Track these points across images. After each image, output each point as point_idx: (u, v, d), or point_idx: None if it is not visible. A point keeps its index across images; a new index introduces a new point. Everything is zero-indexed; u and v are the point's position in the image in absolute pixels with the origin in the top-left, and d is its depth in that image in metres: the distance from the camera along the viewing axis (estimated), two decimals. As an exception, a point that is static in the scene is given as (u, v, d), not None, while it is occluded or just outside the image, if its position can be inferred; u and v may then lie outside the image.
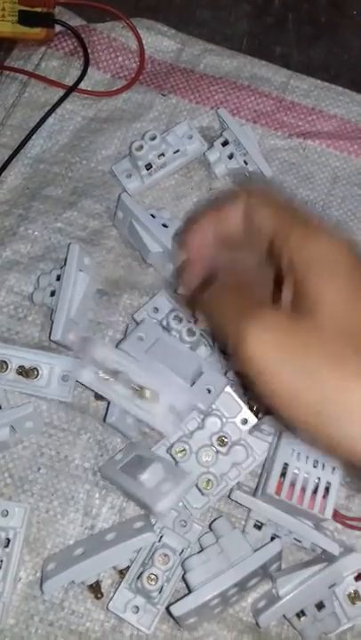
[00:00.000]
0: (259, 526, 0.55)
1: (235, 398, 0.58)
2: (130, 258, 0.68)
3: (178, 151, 0.71)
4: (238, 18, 0.87)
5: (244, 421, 0.57)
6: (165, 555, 0.51)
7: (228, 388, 0.58)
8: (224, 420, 0.57)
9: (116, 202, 0.69)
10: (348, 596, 0.53)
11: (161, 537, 0.54)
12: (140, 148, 0.69)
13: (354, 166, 0.74)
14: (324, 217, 0.70)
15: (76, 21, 0.83)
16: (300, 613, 0.52)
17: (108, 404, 0.57)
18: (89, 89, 0.78)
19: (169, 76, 0.80)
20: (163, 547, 0.52)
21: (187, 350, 0.58)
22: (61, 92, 0.78)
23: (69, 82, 0.78)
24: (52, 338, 0.59)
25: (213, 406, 0.57)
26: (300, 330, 0.37)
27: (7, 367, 0.57)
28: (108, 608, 0.52)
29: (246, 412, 0.57)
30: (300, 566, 0.54)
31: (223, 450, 0.55)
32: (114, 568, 0.53)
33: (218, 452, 0.55)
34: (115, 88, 0.78)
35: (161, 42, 0.82)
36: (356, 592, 0.53)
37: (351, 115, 0.77)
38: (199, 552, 0.52)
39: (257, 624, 0.53)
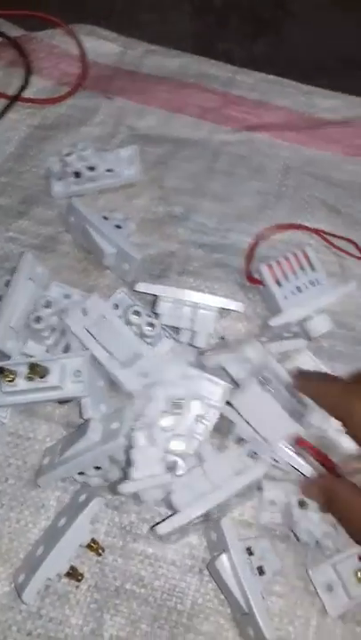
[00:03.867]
0: (240, 441, 0.57)
1: (169, 362, 0.60)
2: (85, 262, 0.69)
3: (111, 170, 0.73)
4: (181, 18, 0.90)
5: (189, 378, 0.58)
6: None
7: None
8: (170, 384, 0.58)
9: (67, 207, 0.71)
10: (355, 575, 0.55)
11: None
12: (69, 154, 0.71)
13: (304, 156, 0.76)
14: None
15: (15, 31, 0.85)
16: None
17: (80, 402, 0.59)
18: (33, 97, 0.80)
19: (113, 79, 0.83)
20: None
21: (129, 333, 0.60)
22: (4, 102, 0.80)
23: (12, 92, 0.80)
24: None
25: (156, 378, 0.58)
26: None
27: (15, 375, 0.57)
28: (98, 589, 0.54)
29: (188, 369, 0.59)
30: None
31: (180, 411, 0.57)
32: (81, 546, 0.55)
33: (176, 414, 0.57)
34: (59, 95, 0.81)
35: (103, 46, 0.85)
36: None
37: (298, 106, 0.80)
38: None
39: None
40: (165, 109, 0.80)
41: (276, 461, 0.57)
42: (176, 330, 0.63)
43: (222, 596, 0.55)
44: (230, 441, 0.58)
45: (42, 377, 0.56)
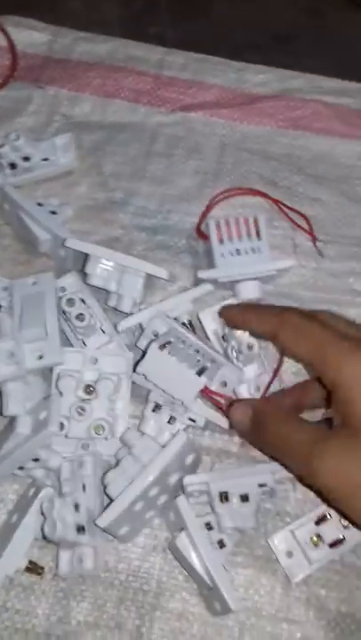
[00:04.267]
0: (158, 408, 0.58)
1: (72, 350, 0.60)
2: (27, 254, 0.69)
3: (47, 159, 0.72)
4: (109, 3, 0.89)
5: (93, 360, 0.59)
6: (50, 501, 0.53)
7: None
8: (76, 374, 0.58)
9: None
10: (311, 540, 0.55)
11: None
12: (2, 146, 0.70)
13: (240, 132, 0.77)
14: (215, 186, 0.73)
15: None
16: (224, 498, 0.54)
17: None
18: None
19: (44, 68, 0.82)
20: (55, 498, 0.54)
21: (38, 312, 0.60)
22: None
23: None
24: None
25: (59, 370, 0.59)
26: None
27: None
28: (60, 576, 0.54)
29: (90, 352, 0.59)
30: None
31: (93, 396, 0.57)
32: (36, 539, 0.55)
33: (90, 400, 0.57)
34: (-11, 87, 0.80)
35: (31, 36, 0.84)
36: (318, 535, 0.56)
37: (230, 82, 0.80)
38: (115, 466, 0.55)
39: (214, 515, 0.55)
40: (99, 95, 0.80)
41: (193, 421, 0.58)
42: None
43: (187, 573, 0.55)
44: (148, 410, 0.58)
45: None
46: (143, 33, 0.86)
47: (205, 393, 0.57)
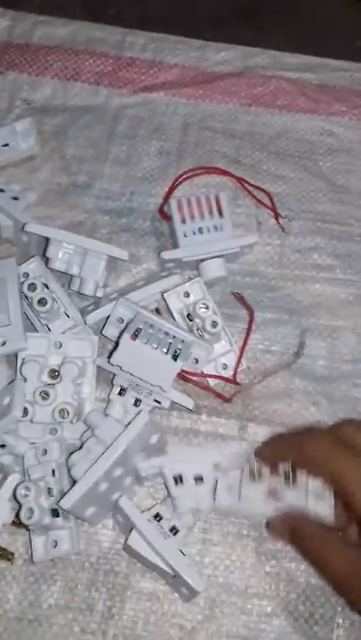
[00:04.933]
0: (123, 391, 0.58)
1: (36, 335, 0.60)
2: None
3: (7, 145, 0.72)
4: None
5: (57, 345, 0.59)
6: (25, 487, 0.53)
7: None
8: (40, 359, 0.58)
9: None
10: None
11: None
12: None
13: (203, 111, 0.76)
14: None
15: None
16: (179, 480, 0.54)
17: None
18: None
19: (4, 53, 0.80)
20: (21, 483, 0.54)
21: (0, 298, 0.59)
22: None
23: None
24: None
25: (23, 355, 0.59)
26: None
27: None
28: (34, 562, 0.54)
29: (54, 337, 0.59)
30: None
31: (57, 380, 0.57)
32: (4, 526, 0.55)
33: (54, 384, 0.57)
34: None
35: (-10, 22, 0.83)
36: None
37: (191, 61, 0.79)
38: (79, 448, 0.55)
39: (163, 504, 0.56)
40: (59, 79, 0.79)
41: (158, 402, 0.58)
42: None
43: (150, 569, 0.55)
44: (113, 393, 0.58)
45: None
46: (103, 14, 0.85)
47: (182, 376, 0.57)
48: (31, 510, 0.52)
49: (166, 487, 0.55)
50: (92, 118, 0.76)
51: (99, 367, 0.60)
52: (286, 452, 0.54)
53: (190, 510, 0.54)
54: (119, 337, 0.56)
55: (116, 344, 0.57)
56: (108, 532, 0.56)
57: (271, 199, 0.70)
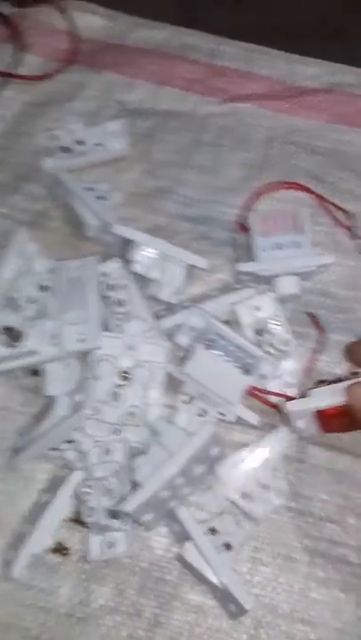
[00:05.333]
0: (190, 400, 0.53)
1: (111, 336, 0.54)
2: (74, 237, 0.63)
3: (99, 145, 0.66)
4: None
5: (130, 347, 0.54)
6: (88, 486, 0.49)
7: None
8: (113, 359, 0.54)
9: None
10: None
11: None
12: (58, 129, 0.65)
13: (288, 125, 0.69)
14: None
15: (5, 9, 0.78)
16: (245, 495, 0.50)
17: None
18: (24, 74, 0.73)
19: (102, 53, 0.75)
20: (85, 481, 0.50)
21: (80, 296, 0.55)
22: (-2, 79, 0.73)
23: (4, 69, 0.73)
24: None
25: (97, 354, 0.54)
26: None
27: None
28: (89, 561, 0.50)
29: (128, 339, 0.54)
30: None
31: (128, 382, 0.52)
32: (65, 521, 0.51)
33: (125, 386, 0.52)
34: (50, 71, 0.74)
35: (91, 21, 0.78)
36: None
37: (281, 74, 0.72)
38: (144, 453, 0.50)
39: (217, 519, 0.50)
40: (152, 82, 0.73)
41: (223, 415, 0.52)
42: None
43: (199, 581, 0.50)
44: (180, 402, 0.53)
45: (16, 340, 0.52)
46: (196, 20, 0.78)
47: (252, 392, 0.52)
48: (92, 509, 0.48)
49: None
50: (179, 124, 0.70)
51: (167, 373, 0.54)
52: None
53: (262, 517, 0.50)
54: (192, 346, 0.51)
55: (189, 352, 0.52)
56: (162, 539, 0.51)
57: (351, 219, 0.63)
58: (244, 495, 0.50)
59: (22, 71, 0.74)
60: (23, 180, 0.67)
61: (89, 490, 0.49)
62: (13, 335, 0.52)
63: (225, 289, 0.60)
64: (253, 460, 0.52)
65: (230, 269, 0.61)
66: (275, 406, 0.53)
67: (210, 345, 0.51)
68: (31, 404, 0.56)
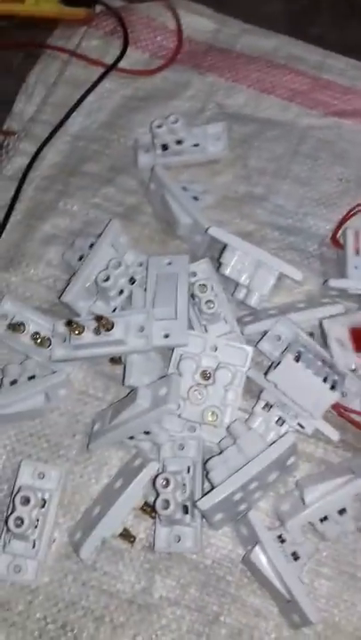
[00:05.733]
0: (268, 407, 0.55)
1: (196, 334, 0.56)
2: (163, 233, 0.65)
3: (197, 145, 0.68)
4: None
5: (214, 348, 0.56)
6: (165, 479, 0.50)
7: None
8: (196, 358, 0.55)
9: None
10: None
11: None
12: (160, 126, 0.66)
13: (389, 145, 0.70)
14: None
15: (115, 2, 0.80)
16: (323, 518, 0.51)
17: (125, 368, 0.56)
18: (128, 68, 0.76)
19: (206, 55, 0.77)
20: (162, 473, 0.51)
21: (170, 292, 0.56)
22: (101, 70, 0.75)
23: (109, 61, 0.76)
24: (62, 299, 0.57)
25: (181, 351, 0.56)
26: None
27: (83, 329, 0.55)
28: (156, 550, 0.51)
29: (212, 339, 0.56)
30: (325, 474, 0.53)
31: (209, 382, 0.54)
32: (133, 509, 0.53)
33: (206, 386, 0.54)
34: (153, 67, 0.76)
35: (199, 22, 0.79)
36: None
37: (386, 94, 0.73)
38: (219, 454, 0.52)
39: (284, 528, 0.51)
40: (255, 89, 0.74)
41: (302, 427, 0.54)
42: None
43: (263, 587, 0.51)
44: (258, 407, 0.55)
45: (108, 330, 0.54)
46: (304, 31, 0.80)
47: (337, 409, 0.53)
48: (167, 502, 0.49)
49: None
50: (278, 133, 0.71)
51: (248, 378, 0.56)
52: None
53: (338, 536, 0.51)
54: (282, 355, 0.53)
55: (276, 361, 0.53)
56: (227, 539, 0.53)
57: None
58: (322, 518, 0.51)
59: (126, 65, 0.76)
60: (117, 173, 0.69)
61: (166, 483, 0.50)
62: (104, 324, 0.53)
63: (311, 302, 0.61)
64: (344, 492, 0.52)
65: (317, 283, 0.62)
66: (356, 423, 0.54)
67: (298, 357, 0.52)
68: (109, 390, 0.58)
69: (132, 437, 0.54)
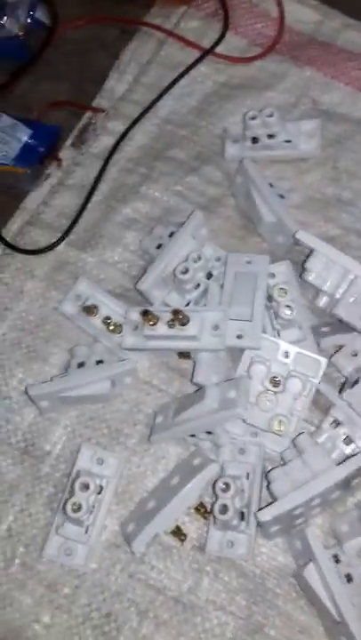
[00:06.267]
0: (336, 424, 0.54)
1: (270, 339, 0.56)
2: (244, 229, 0.65)
3: (289, 142, 0.67)
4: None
5: (286, 354, 0.56)
6: (225, 483, 0.51)
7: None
8: (267, 363, 0.55)
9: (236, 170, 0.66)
10: None
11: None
12: (253, 118, 0.66)
13: None
14: None
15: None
16: None
17: (194, 364, 0.57)
18: (225, 53, 0.75)
19: (306, 47, 0.76)
20: (223, 477, 0.52)
21: (247, 292, 0.57)
22: (197, 53, 0.75)
23: (206, 44, 0.75)
24: (137, 286, 0.58)
25: (252, 354, 0.56)
26: None
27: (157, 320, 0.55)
28: (205, 552, 0.52)
29: (285, 345, 0.56)
30: None
31: (279, 389, 0.54)
32: (188, 508, 0.54)
33: (275, 393, 0.54)
34: (250, 55, 0.75)
35: (302, 12, 0.78)
36: None
37: None
38: (283, 465, 0.52)
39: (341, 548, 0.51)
40: (353, 87, 0.73)
41: None
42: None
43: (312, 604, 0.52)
44: (325, 423, 0.55)
45: (182, 325, 0.54)
46: None
47: None
48: (226, 507, 0.50)
49: None
50: (375, 136, 0.70)
51: (318, 391, 0.56)
52: None
53: None
54: (356, 373, 0.52)
55: (348, 377, 0.53)
56: (278, 551, 0.53)
57: None
58: None
59: (222, 50, 0.76)
60: (203, 162, 0.70)
61: (226, 488, 0.51)
62: (180, 318, 0.54)
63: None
64: None
65: None
66: None
67: None
68: (173, 383, 0.59)
69: (193, 435, 0.55)
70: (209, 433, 0.54)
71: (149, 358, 0.60)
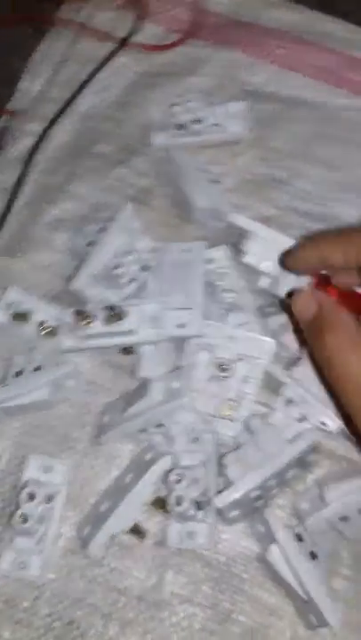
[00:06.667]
0: (288, 403, 0.61)
1: (213, 324, 0.63)
2: (178, 218, 0.72)
3: (217, 125, 0.75)
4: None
5: (231, 338, 0.62)
6: (178, 474, 0.57)
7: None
8: (213, 348, 0.62)
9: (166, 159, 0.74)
10: None
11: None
12: (176, 104, 0.74)
13: None
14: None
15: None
16: (343, 518, 0.57)
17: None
18: (141, 42, 0.83)
19: (227, 29, 0.84)
20: (175, 468, 0.58)
21: (184, 280, 0.63)
22: (113, 45, 0.83)
23: (122, 35, 0.83)
24: (70, 287, 0.64)
25: (197, 342, 0.62)
26: None
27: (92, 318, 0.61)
28: (167, 547, 0.58)
29: (229, 330, 0.62)
30: (346, 472, 0.60)
31: (227, 374, 0.61)
32: (144, 505, 0.60)
33: (223, 378, 0.61)
34: (169, 42, 0.83)
35: (221, -7, 0.87)
36: None
37: None
38: (236, 449, 0.59)
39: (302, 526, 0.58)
40: (279, 66, 0.82)
41: (325, 424, 0.60)
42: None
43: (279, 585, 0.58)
44: (279, 403, 0.61)
45: (118, 320, 0.60)
46: (332, 6, 0.87)
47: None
48: (180, 498, 0.56)
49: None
50: (304, 113, 0.78)
51: (268, 372, 0.63)
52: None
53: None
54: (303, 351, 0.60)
55: (298, 356, 0.61)
56: (242, 536, 0.59)
57: None
58: (342, 518, 0.58)
59: (140, 39, 0.84)
60: (130, 154, 0.77)
61: (179, 479, 0.57)
62: (115, 314, 0.61)
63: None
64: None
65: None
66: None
67: None
68: (119, 381, 0.65)
69: (143, 430, 0.62)
70: (159, 426, 0.61)
71: (91, 358, 0.66)
